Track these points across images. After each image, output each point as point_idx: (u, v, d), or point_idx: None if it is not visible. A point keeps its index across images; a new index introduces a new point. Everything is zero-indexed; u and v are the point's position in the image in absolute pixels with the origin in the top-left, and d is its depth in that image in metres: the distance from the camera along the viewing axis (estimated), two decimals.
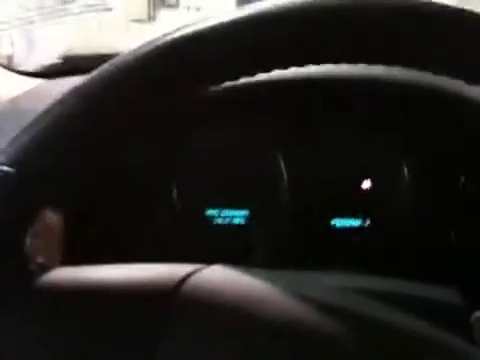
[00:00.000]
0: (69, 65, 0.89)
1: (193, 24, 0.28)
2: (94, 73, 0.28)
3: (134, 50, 0.29)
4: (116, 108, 0.27)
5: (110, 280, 0.29)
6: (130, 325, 0.29)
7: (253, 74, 0.28)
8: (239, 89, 0.57)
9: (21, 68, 0.86)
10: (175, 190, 0.64)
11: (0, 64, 0.82)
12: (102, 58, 0.95)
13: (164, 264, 0.31)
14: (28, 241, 0.27)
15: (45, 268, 0.29)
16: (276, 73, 0.29)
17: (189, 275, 0.30)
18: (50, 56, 0.93)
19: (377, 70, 0.59)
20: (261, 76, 0.29)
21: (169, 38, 0.27)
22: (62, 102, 0.27)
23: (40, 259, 0.29)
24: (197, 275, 0.30)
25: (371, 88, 0.60)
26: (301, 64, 0.28)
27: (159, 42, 0.27)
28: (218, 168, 0.65)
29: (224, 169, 0.65)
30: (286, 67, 0.28)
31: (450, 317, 0.35)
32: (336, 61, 0.27)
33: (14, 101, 0.73)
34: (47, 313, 0.28)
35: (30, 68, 0.86)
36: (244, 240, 0.65)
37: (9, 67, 0.85)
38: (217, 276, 0.30)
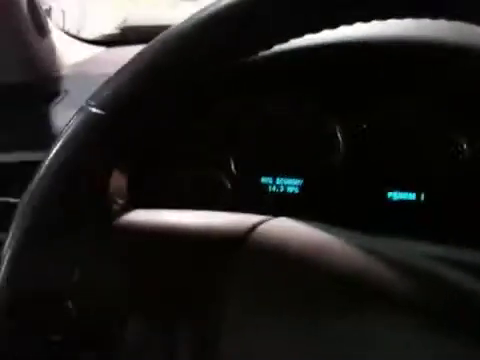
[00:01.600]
0: (127, 35, 0.92)
1: None
2: (175, 26, 0.29)
3: (210, 5, 0.30)
4: (195, 55, 0.28)
5: (184, 224, 0.31)
6: (201, 268, 0.30)
7: (319, 30, 0.28)
8: (296, 57, 0.57)
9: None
10: (232, 157, 0.65)
11: (66, 32, 0.85)
12: (158, 29, 0.97)
13: (234, 214, 0.33)
14: (112, 182, 0.29)
15: (126, 209, 0.30)
16: (335, 37, 0.29)
17: (258, 224, 0.31)
18: (102, 28, 0.96)
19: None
20: (320, 43, 0.29)
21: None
22: (146, 52, 0.29)
23: (120, 201, 0.31)
24: (266, 224, 0.31)
25: (432, 54, 0.59)
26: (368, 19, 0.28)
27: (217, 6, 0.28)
28: (274, 136, 0.66)
29: (279, 137, 0.66)
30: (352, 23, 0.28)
31: None
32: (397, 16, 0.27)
33: (79, 66, 0.75)
34: (126, 250, 0.30)
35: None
36: (298, 209, 0.66)
37: (72, 34, 0.88)
38: (285, 226, 0.31)
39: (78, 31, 0.95)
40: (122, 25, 0.96)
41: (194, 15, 0.29)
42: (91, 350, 0.31)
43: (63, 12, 1.26)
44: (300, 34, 0.28)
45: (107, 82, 0.28)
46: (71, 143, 0.28)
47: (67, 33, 0.84)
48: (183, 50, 0.29)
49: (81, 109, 0.28)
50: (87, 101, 0.28)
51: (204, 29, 0.29)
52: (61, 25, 0.99)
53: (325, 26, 0.28)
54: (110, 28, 0.98)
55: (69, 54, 0.76)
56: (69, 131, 0.28)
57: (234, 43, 0.29)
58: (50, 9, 1.12)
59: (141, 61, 0.28)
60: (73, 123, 0.28)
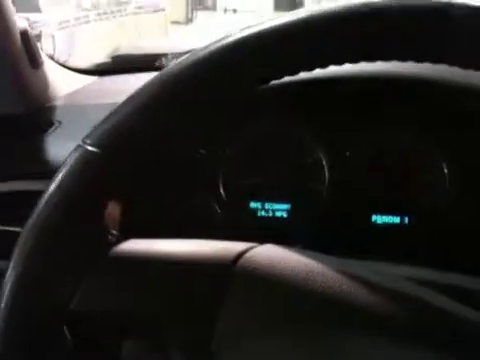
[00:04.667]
0: (119, 63, 0.94)
1: (257, 25, 0.31)
2: (174, 64, 0.31)
3: (204, 47, 0.32)
4: (189, 97, 0.30)
5: (174, 252, 0.32)
6: (192, 294, 0.32)
7: (311, 69, 0.30)
8: (285, 87, 0.60)
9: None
10: (221, 182, 0.67)
11: (56, 62, 0.87)
12: (150, 57, 0.98)
13: (221, 242, 0.34)
14: (106, 214, 0.31)
15: (119, 239, 0.32)
16: (325, 72, 0.31)
17: (246, 251, 0.32)
18: (90, 55, 0.98)
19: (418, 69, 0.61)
20: (309, 76, 0.31)
21: (236, 37, 0.30)
22: (143, 91, 0.31)
23: (114, 231, 0.32)
24: (253, 250, 0.33)
25: (416, 88, 0.62)
26: (355, 61, 0.30)
27: (227, 40, 0.30)
28: (261, 163, 0.68)
29: (267, 164, 0.68)
30: (341, 63, 0.30)
31: None
32: (398, 58, 0.30)
33: (71, 97, 0.77)
34: (122, 279, 0.31)
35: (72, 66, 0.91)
36: (286, 233, 0.68)
37: (63, 64, 0.90)
38: (271, 252, 0.33)
39: (68, 55, 0.97)
40: (113, 54, 0.98)
41: (193, 53, 0.31)
42: None
43: (53, 37, 1.28)
44: (294, 73, 0.31)
45: (102, 121, 0.30)
46: (68, 179, 0.29)
47: (58, 63, 0.86)
48: (178, 92, 0.30)
49: (77, 147, 0.30)
50: (83, 139, 0.30)
51: (203, 68, 0.30)
52: (51, 50, 1.00)
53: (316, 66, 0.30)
54: (99, 54, 0.99)
55: (61, 85, 0.78)
56: (66, 168, 0.29)
57: (236, 77, 0.30)
58: (40, 34, 1.14)
59: (136, 100, 0.30)
60: (70, 160, 0.30)
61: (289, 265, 0.32)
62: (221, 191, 0.67)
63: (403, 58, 0.30)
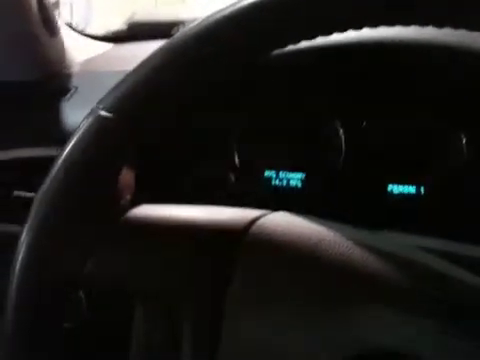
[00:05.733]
0: (134, 31, 0.94)
1: None
2: (182, 32, 0.30)
3: (214, 13, 0.31)
4: (198, 64, 0.30)
5: (187, 218, 0.33)
6: (204, 260, 0.32)
7: (313, 37, 0.30)
8: (300, 56, 0.59)
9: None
10: (236, 151, 0.67)
11: (74, 29, 0.87)
12: (166, 25, 0.98)
13: (234, 208, 0.34)
14: (121, 179, 0.31)
15: (132, 204, 0.32)
16: (341, 40, 0.31)
17: (258, 218, 0.33)
18: (108, 23, 0.97)
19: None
20: (324, 43, 0.30)
21: (238, 6, 0.29)
22: (153, 58, 0.30)
23: (128, 196, 0.33)
24: (265, 218, 0.33)
25: (432, 55, 0.61)
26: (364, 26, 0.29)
27: (228, 11, 0.29)
28: (277, 132, 0.68)
29: (282, 133, 0.68)
30: (344, 30, 0.30)
31: None
32: (403, 23, 0.29)
33: (87, 63, 0.77)
34: (134, 244, 0.32)
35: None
36: (300, 202, 0.68)
37: (81, 31, 0.90)
38: (283, 219, 0.33)
39: (86, 23, 0.97)
40: (129, 21, 0.97)
41: (206, 17, 0.30)
42: (101, 335, 0.34)
43: (71, 5, 1.27)
44: (297, 41, 0.30)
45: (115, 86, 0.30)
46: (81, 144, 0.30)
47: (75, 30, 0.86)
48: (193, 52, 0.30)
49: (91, 112, 0.30)
50: (96, 105, 0.30)
51: (218, 30, 0.30)
52: (68, 18, 1.00)
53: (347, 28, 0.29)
54: (116, 21, 0.99)
55: (78, 52, 0.78)
56: (80, 133, 0.30)
57: (249, 43, 0.30)
58: (58, 1, 1.13)
59: (148, 65, 0.30)
60: (83, 125, 0.30)
61: (300, 232, 0.32)
62: (236, 160, 0.67)
63: (407, 22, 0.29)
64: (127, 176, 0.32)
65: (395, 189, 0.66)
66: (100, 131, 0.30)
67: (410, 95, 0.64)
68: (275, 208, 0.35)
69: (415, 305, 0.29)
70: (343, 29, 0.29)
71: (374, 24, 0.29)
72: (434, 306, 0.29)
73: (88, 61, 0.77)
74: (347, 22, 0.29)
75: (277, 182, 0.68)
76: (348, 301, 0.30)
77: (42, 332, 0.31)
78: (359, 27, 0.29)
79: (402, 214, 0.65)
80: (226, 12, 0.30)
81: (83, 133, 0.30)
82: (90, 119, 0.30)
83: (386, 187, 0.65)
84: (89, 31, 0.92)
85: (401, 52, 0.62)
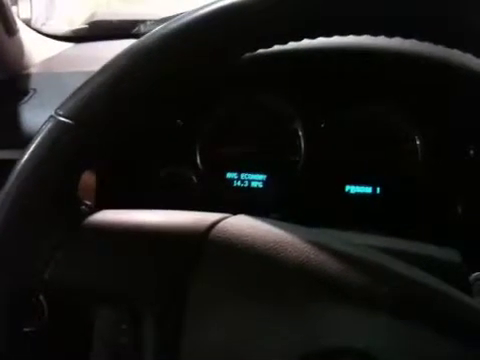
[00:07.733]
0: (95, 30, 0.92)
1: None
2: (147, 36, 0.30)
3: (179, 18, 0.31)
4: (162, 69, 0.30)
5: (147, 223, 0.33)
6: (165, 264, 0.33)
7: (285, 42, 0.30)
8: (261, 59, 0.60)
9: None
10: (198, 153, 0.68)
11: (33, 27, 0.85)
12: (128, 24, 0.96)
13: (195, 212, 0.35)
14: (80, 185, 0.31)
15: (92, 210, 0.33)
16: (301, 43, 0.31)
17: (218, 221, 0.33)
18: (70, 17, 0.95)
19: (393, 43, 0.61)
20: (287, 47, 0.31)
21: (213, 7, 0.30)
22: (115, 63, 0.31)
23: (87, 202, 0.33)
24: (225, 221, 0.34)
25: (389, 59, 0.63)
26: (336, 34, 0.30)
27: (203, 11, 0.30)
28: (238, 134, 0.69)
29: (244, 135, 0.69)
30: (314, 37, 0.30)
31: (451, 274, 0.38)
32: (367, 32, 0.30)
33: (46, 64, 0.76)
34: (94, 249, 0.32)
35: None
36: (261, 203, 0.69)
37: (39, 30, 0.88)
38: (243, 223, 0.34)
39: (47, 18, 0.94)
40: (90, 20, 0.96)
41: (169, 23, 0.31)
42: (62, 337, 0.34)
43: (30, 0, 1.24)
44: (268, 46, 0.31)
45: (75, 92, 0.30)
46: (41, 150, 0.30)
47: (34, 29, 0.84)
48: (153, 61, 0.30)
49: (50, 118, 0.30)
50: (56, 110, 0.30)
51: (183, 36, 0.30)
52: (28, 13, 0.98)
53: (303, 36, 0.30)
54: (79, 17, 0.97)
55: (37, 52, 0.76)
56: (39, 139, 0.30)
57: (211, 48, 0.30)
58: None
59: (110, 70, 0.30)
60: (43, 131, 0.30)
61: (259, 235, 0.33)
62: (198, 161, 0.68)
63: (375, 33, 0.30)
64: (88, 181, 0.32)
65: (352, 189, 0.68)
66: (59, 137, 0.30)
67: (367, 96, 0.66)
68: (237, 209, 0.36)
69: (369, 303, 0.31)
70: (312, 36, 0.30)
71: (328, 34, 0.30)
72: (387, 304, 0.31)
73: (47, 61, 0.76)
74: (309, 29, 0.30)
75: (239, 183, 0.69)
76: (303, 300, 0.31)
77: (2, 336, 0.31)
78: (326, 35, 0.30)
79: (359, 214, 0.67)
80: (189, 17, 0.30)
81: (42, 139, 0.30)
82: (49, 125, 0.30)
83: (344, 188, 0.67)
84: (50, 26, 0.90)
85: (358, 55, 0.64)
